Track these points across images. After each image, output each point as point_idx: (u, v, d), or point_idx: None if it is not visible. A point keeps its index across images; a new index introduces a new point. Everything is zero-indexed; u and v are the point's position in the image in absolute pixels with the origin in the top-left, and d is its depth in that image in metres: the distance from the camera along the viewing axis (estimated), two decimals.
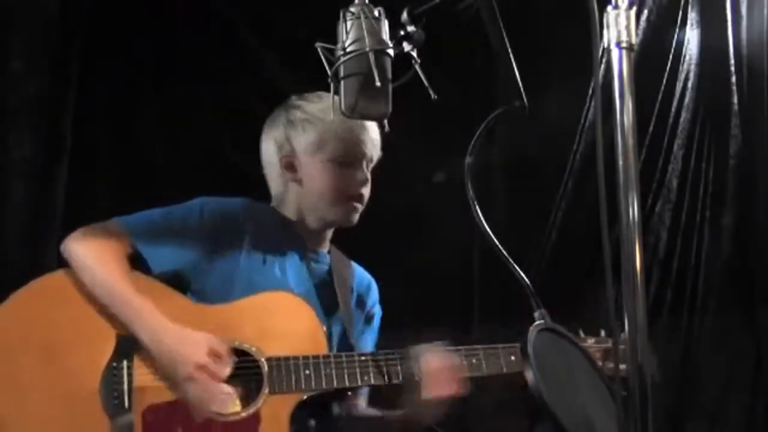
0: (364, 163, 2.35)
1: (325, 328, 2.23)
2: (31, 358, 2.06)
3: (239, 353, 2.13)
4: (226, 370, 2.09)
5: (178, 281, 2.23)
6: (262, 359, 2.12)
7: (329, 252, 2.44)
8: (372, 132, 2.35)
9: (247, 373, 2.13)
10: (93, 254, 2.15)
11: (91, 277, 2.14)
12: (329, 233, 2.44)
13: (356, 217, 2.37)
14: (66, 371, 2.06)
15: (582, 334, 2.33)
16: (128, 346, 2.09)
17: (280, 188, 2.41)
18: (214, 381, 2.06)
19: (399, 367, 2.19)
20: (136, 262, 2.22)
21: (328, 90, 1.65)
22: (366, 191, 2.36)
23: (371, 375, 2.17)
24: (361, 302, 2.47)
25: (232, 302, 2.20)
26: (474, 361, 2.23)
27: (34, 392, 2.04)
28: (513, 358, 2.23)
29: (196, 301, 2.22)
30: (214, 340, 2.09)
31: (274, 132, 2.39)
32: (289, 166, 2.36)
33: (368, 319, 2.49)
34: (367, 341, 2.47)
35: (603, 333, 2.34)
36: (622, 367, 1.84)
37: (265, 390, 2.10)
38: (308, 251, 2.39)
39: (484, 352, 2.24)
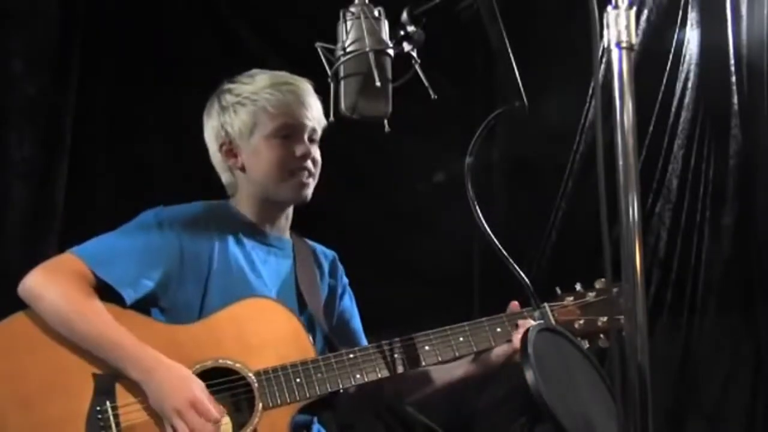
0: (306, 135, 2.24)
1: (308, 333, 2.16)
2: (10, 415, 1.96)
3: (224, 371, 2.05)
4: (219, 412, 2.00)
5: (140, 301, 2.11)
6: (250, 374, 2.05)
7: (291, 238, 2.35)
8: (310, 104, 2.24)
9: (235, 389, 2.06)
10: (60, 297, 2.02)
11: (63, 324, 2.01)
12: (288, 217, 2.34)
13: (308, 192, 2.25)
14: (48, 421, 1.95)
15: (559, 292, 2.29)
16: (107, 383, 1.99)
17: (229, 179, 2.31)
18: (202, 419, 1.95)
19: (397, 357, 2.14)
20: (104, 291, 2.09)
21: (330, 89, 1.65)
22: (312, 164, 2.25)
23: (364, 372, 2.11)
24: (334, 277, 2.40)
25: (208, 318, 2.11)
26: (461, 339, 2.17)
27: None
28: (499, 330, 2.19)
29: (167, 320, 2.12)
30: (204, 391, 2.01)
31: (210, 122, 2.30)
32: (229, 152, 2.27)
33: (343, 292, 2.42)
34: (357, 318, 2.44)
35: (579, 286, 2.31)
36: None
37: (259, 406, 2.03)
38: (272, 243, 2.30)
39: (470, 328, 2.19)
